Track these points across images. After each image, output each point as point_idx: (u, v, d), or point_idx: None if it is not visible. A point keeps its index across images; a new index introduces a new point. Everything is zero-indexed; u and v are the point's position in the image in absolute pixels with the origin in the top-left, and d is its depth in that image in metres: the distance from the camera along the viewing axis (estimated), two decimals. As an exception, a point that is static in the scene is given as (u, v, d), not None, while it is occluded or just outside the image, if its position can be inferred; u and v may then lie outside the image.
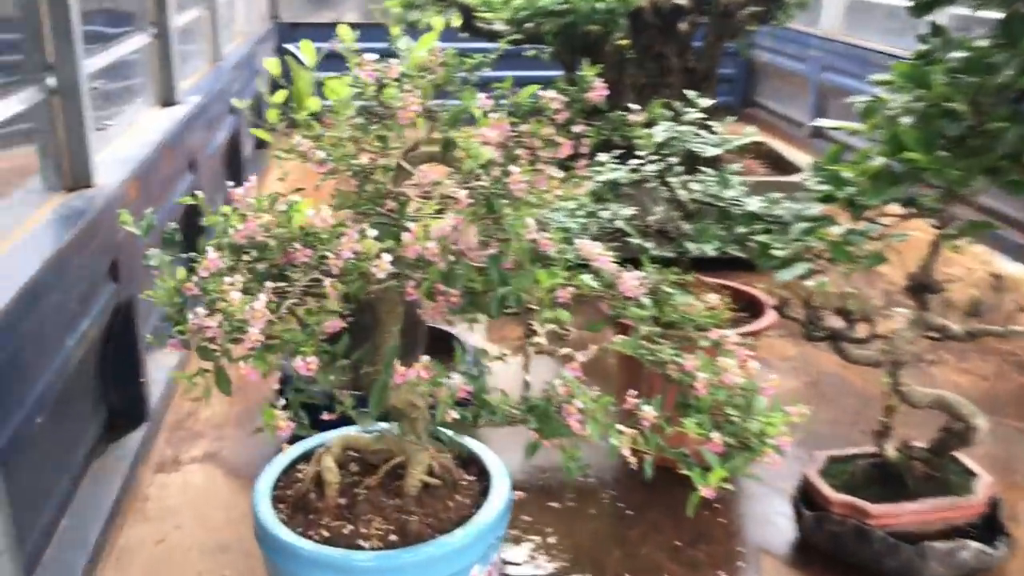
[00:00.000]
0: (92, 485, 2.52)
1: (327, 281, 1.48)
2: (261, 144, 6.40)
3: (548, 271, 1.55)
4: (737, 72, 7.67)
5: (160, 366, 3.09)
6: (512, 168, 1.58)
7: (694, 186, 2.80)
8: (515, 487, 1.94)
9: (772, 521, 2.56)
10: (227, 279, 1.47)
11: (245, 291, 1.56)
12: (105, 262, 2.50)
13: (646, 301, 1.98)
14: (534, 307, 1.64)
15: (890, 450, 2.32)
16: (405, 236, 1.52)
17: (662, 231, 2.73)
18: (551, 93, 1.80)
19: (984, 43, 2.10)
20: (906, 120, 2.16)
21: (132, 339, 2.74)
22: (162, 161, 3.20)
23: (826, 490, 2.35)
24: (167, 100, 3.76)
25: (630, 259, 1.96)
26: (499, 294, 1.48)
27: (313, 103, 1.91)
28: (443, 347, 3.01)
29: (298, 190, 1.84)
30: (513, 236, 1.55)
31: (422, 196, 1.74)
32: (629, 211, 2.80)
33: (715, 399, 1.75)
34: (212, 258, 1.52)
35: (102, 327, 2.55)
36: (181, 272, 1.59)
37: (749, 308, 2.93)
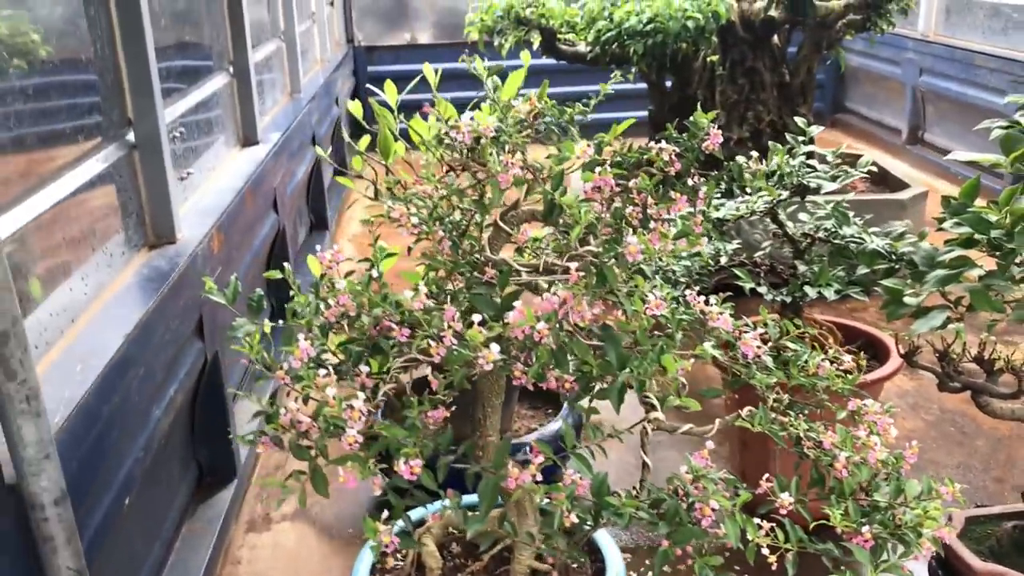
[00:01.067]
0: (185, 550, 2.44)
1: (428, 373, 1.35)
2: (340, 171, 6.37)
3: (673, 354, 1.38)
4: (826, 77, 7.36)
5: (246, 418, 3.01)
6: (628, 238, 1.41)
7: (803, 217, 2.60)
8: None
9: (907, 588, 2.35)
10: (321, 372, 1.35)
11: (338, 374, 1.44)
12: (191, 321, 2.42)
13: (770, 363, 1.80)
14: (654, 390, 1.48)
15: None
16: (512, 315, 1.38)
17: (772, 269, 2.54)
18: (662, 144, 1.64)
19: None
20: (1056, 152, 1.95)
21: (220, 395, 2.65)
22: (245, 206, 3.12)
23: (969, 557, 2.12)
24: (248, 140, 3.69)
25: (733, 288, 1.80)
26: (619, 382, 1.32)
27: (399, 148, 1.79)
28: (538, 394, 2.86)
29: (390, 254, 1.71)
30: (630, 313, 1.39)
31: (527, 265, 1.59)
32: (733, 246, 2.61)
33: (858, 480, 1.56)
34: (304, 347, 1.40)
35: (190, 386, 2.47)
36: (271, 359, 1.47)
37: (866, 348, 2.71)
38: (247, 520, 2.77)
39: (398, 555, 1.87)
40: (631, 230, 1.57)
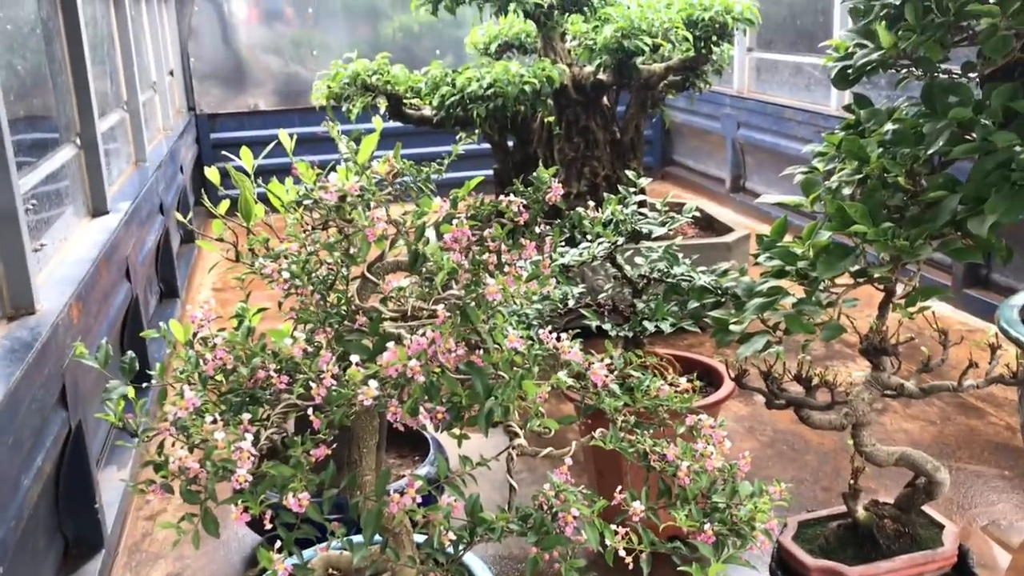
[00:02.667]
0: (52, 625, 2.41)
1: (309, 411, 1.46)
2: (188, 238, 6.32)
3: (532, 381, 1.55)
4: (654, 133, 7.87)
5: (110, 487, 2.99)
6: (488, 280, 1.58)
7: (638, 260, 2.85)
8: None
9: (752, 591, 2.57)
10: (208, 418, 1.44)
11: (223, 423, 1.53)
12: (55, 390, 2.42)
13: (617, 389, 2.00)
14: (516, 420, 1.64)
15: (860, 511, 2.36)
16: (385, 356, 1.51)
17: (615, 308, 2.77)
18: (511, 197, 1.82)
19: (908, 114, 2.21)
20: (846, 192, 2.25)
21: (85, 465, 2.64)
22: (100, 275, 3.13)
23: (803, 556, 2.37)
24: (98, 210, 3.69)
25: (580, 330, 2.00)
26: (486, 408, 1.48)
27: (259, 211, 1.89)
28: (401, 438, 2.98)
29: (261, 309, 1.82)
30: (492, 348, 1.55)
31: (394, 311, 1.73)
32: (579, 289, 2.84)
33: (699, 487, 1.76)
34: (189, 397, 1.49)
35: (55, 456, 2.46)
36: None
37: (703, 376, 2.97)
38: (117, 590, 2.75)
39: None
40: (488, 275, 1.74)
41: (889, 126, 2.19)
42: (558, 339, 1.91)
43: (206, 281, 5.88)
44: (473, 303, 1.63)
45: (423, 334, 1.56)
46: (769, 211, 6.36)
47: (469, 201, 1.90)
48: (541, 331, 1.96)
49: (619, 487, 1.77)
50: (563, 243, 2.89)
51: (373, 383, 1.43)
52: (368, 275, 1.85)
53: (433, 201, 1.79)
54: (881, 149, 2.20)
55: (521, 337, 1.69)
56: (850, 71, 2.27)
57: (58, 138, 3.44)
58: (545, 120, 4.49)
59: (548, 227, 1.86)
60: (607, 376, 1.92)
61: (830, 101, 5.80)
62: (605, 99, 4.52)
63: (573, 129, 4.49)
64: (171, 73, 7.05)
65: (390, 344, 1.52)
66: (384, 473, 1.54)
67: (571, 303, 2.80)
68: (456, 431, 1.54)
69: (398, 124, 4.57)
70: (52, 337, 2.41)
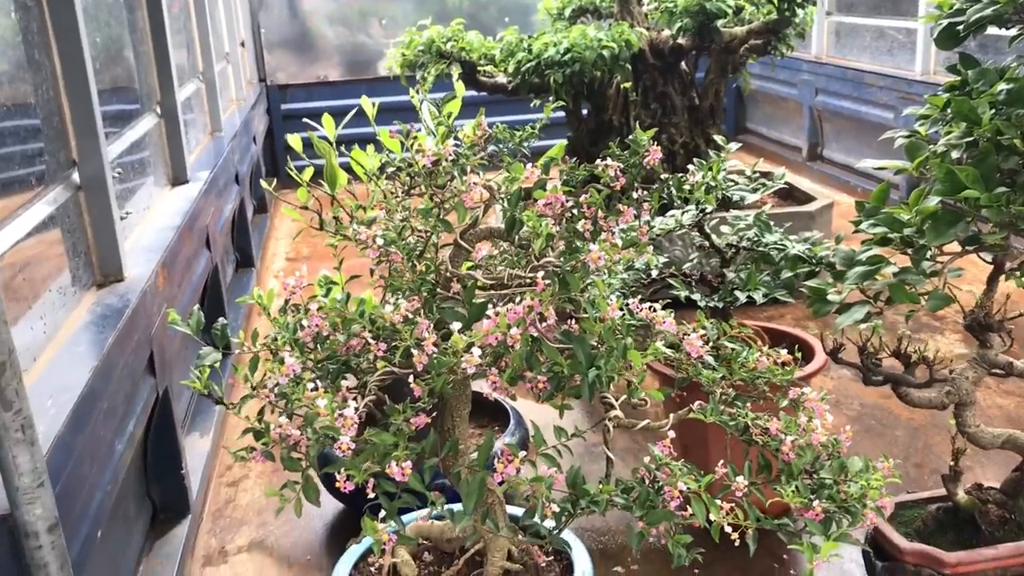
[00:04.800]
0: (145, 587, 2.44)
1: (410, 379, 1.43)
2: (261, 208, 6.38)
3: (638, 351, 1.50)
4: (728, 100, 7.69)
5: (194, 454, 3.02)
6: (591, 246, 1.53)
7: (724, 229, 2.78)
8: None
9: (845, 571, 2.50)
10: (310, 386, 1.42)
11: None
12: (144, 356, 2.44)
13: (712, 361, 1.94)
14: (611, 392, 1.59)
15: (961, 494, 2.25)
16: (485, 323, 1.48)
17: (703, 279, 2.70)
18: (608, 161, 1.77)
19: (1021, 73, 2.09)
20: (955, 155, 2.14)
21: (172, 431, 2.67)
22: (183, 243, 3.15)
23: (897, 539, 2.28)
24: (178, 179, 3.71)
25: (668, 301, 1.94)
26: (590, 378, 1.43)
27: (341, 178, 1.86)
28: (480, 408, 2.95)
29: (353, 277, 1.79)
30: (594, 316, 1.51)
31: (491, 278, 1.69)
32: (663, 259, 2.77)
33: (804, 462, 1.70)
34: (290, 363, 1.47)
35: (144, 422, 2.48)
36: (257, 377, 1.53)
37: (791, 348, 2.88)
38: (203, 555, 2.78)
39: (371, 568, 1.93)
40: (583, 242, 1.69)
41: (1002, 86, 2.07)
42: (651, 309, 1.86)
43: (279, 251, 5.92)
44: (571, 270, 1.58)
45: (520, 302, 1.52)
46: (849, 180, 6.19)
47: (561, 167, 1.85)
48: (630, 301, 1.91)
49: (710, 460, 1.72)
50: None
51: (476, 350, 1.39)
52: (461, 242, 1.81)
53: (527, 166, 1.74)
54: (993, 111, 2.09)
55: (616, 306, 1.64)
56: (959, 28, 2.16)
57: (139, 108, 3.47)
58: (621, 86, 4.40)
59: (646, 192, 1.81)
60: (703, 347, 1.87)
61: (914, 66, 5.60)
62: (684, 64, 4.42)
63: (650, 95, 4.40)
64: (242, 44, 7.09)
65: (489, 311, 1.48)
66: (488, 440, 1.50)
67: (654, 273, 2.74)
68: (557, 401, 1.50)
69: (471, 92, 4.52)
70: (140, 303, 2.42)
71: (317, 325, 1.60)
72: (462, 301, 1.65)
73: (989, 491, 2.26)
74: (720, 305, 2.52)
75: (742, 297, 2.45)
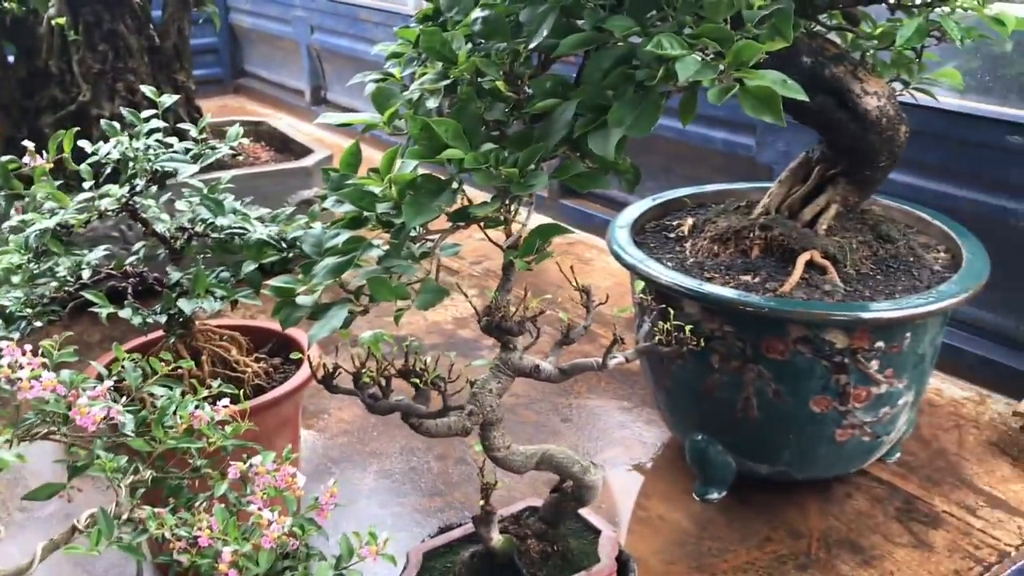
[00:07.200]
0: None
1: None
2: None
3: None
4: (220, 40, 6.89)
5: None
6: None
7: (181, 206, 2.10)
8: None
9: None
10: None
11: None
12: None
13: (129, 427, 1.31)
14: None
15: (496, 536, 1.80)
16: None
17: (143, 281, 2.01)
18: None
19: (503, -3, 1.68)
20: (432, 104, 1.69)
21: None
22: None
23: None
24: None
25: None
26: None
27: None
28: None
29: None
30: None
31: None
32: (100, 254, 2.03)
33: (256, 578, 1.14)
34: None
35: None
36: None
37: (283, 350, 2.30)
38: None
39: None
40: None
41: (477, 12, 1.64)
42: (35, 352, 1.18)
43: None
44: None
45: None
46: (357, 127, 5.77)
47: None
48: (3, 343, 1.23)
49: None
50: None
51: None
52: None
53: None
54: (471, 45, 1.66)
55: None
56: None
57: None
58: (54, 23, 3.46)
59: None
60: (103, 416, 1.23)
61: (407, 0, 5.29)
62: (136, -4, 3.59)
63: (96, 34, 3.51)
64: None
65: None
66: None
67: (86, 275, 1.99)
68: None
69: None
70: None
71: None
72: None
73: (529, 520, 1.85)
74: (163, 320, 1.85)
75: (188, 308, 1.79)
